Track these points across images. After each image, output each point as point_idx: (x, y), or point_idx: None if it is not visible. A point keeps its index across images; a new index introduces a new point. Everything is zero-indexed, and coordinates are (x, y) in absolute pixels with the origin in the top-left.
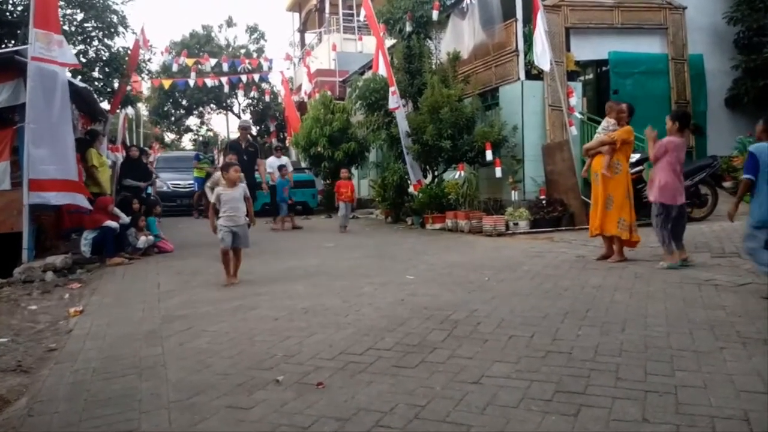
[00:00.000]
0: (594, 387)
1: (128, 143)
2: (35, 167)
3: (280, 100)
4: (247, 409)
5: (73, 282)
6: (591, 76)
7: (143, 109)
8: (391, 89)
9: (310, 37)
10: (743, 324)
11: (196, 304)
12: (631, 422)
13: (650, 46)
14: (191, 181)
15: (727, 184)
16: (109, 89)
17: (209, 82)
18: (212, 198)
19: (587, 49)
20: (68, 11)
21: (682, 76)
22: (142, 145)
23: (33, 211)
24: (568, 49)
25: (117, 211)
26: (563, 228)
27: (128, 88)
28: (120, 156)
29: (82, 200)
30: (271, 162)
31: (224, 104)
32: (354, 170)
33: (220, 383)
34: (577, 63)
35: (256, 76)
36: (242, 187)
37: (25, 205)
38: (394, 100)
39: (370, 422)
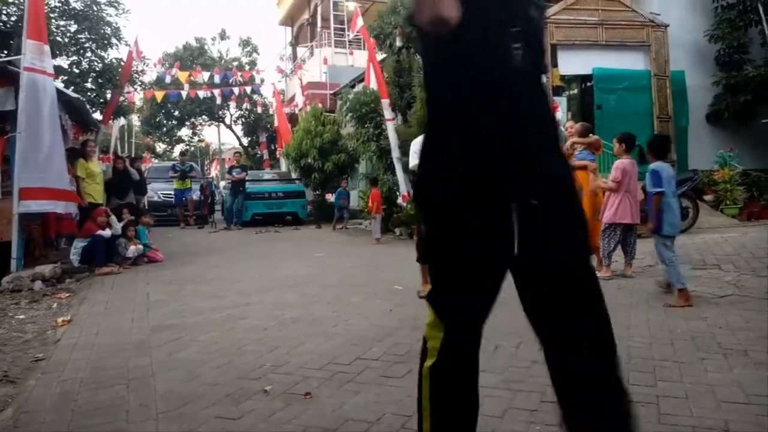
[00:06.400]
0: None
1: (119, 153)
2: (26, 177)
3: (271, 112)
4: (235, 419)
5: (61, 291)
6: (576, 91)
7: (135, 119)
8: (386, 101)
9: (301, 50)
10: (724, 335)
11: (186, 314)
12: None
13: (633, 62)
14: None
15: (708, 197)
16: (101, 100)
17: (201, 93)
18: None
19: (572, 65)
20: (62, 22)
21: (665, 91)
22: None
23: (22, 221)
24: (554, 65)
25: (112, 220)
26: None
27: (122, 99)
28: (110, 165)
29: (67, 208)
30: None
31: (216, 116)
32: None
33: (208, 393)
34: (563, 78)
35: (248, 89)
36: None
37: (14, 215)
38: (389, 111)
39: None
